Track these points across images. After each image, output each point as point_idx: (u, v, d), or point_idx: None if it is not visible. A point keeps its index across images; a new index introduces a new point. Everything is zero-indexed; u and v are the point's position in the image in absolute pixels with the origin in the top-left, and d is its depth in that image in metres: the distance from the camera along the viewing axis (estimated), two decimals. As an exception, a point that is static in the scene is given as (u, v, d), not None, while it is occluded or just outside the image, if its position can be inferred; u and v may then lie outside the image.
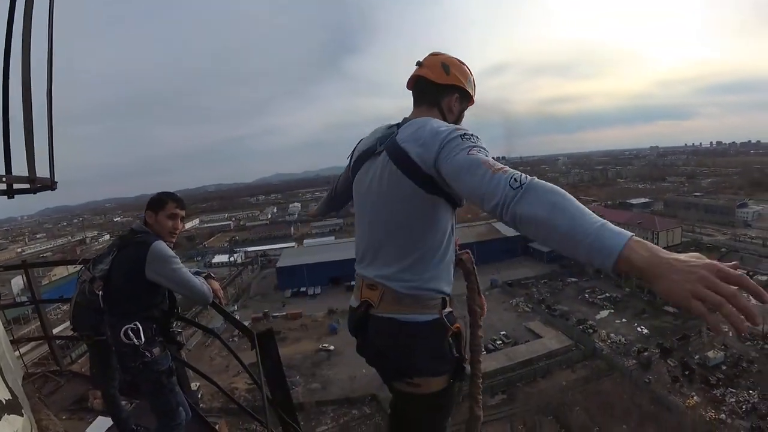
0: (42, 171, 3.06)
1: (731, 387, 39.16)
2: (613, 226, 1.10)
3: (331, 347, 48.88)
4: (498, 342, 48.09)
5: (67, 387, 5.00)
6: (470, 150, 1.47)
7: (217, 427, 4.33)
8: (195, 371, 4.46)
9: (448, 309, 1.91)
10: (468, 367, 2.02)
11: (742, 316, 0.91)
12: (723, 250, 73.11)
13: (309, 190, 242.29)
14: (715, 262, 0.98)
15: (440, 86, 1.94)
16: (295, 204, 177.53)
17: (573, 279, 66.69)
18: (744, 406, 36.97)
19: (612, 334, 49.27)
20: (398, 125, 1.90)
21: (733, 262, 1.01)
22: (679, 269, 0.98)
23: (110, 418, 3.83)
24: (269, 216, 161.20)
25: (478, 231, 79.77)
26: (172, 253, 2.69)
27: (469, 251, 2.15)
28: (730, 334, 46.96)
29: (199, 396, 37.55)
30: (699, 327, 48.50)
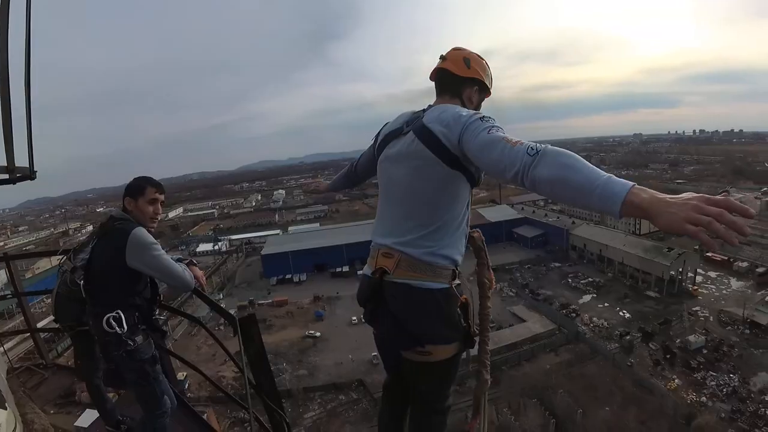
0: (21, 162, 3.00)
1: (712, 370, 40.08)
2: (617, 178, 1.27)
3: (317, 334, 49.09)
4: (483, 327, 48.26)
5: (53, 380, 4.96)
6: (489, 130, 1.67)
7: (205, 416, 4.32)
8: (180, 360, 4.43)
9: (456, 281, 2.06)
10: (478, 337, 2.20)
11: (732, 231, 1.08)
12: (704, 236, 74.27)
13: (293, 177, 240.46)
14: (703, 194, 1.15)
15: (462, 79, 2.13)
16: (280, 191, 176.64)
17: (556, 264, 67.55)
18: (725, 389, 37.90)
19: (594, 318, 50.10)
20: (423, 111, 2.07)
21: (722, 191, 1.16)
22: (674, 203, 1.15)
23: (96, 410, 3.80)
24: (253, 203, 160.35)
25: (464, 217, 79.93)
26: (152, 239, 2.65)
27: (479, 230, 2.34)
28: (711, 319, 48.05)
29: (187, 385, 37.21)
30: (680, 311, 49.64)
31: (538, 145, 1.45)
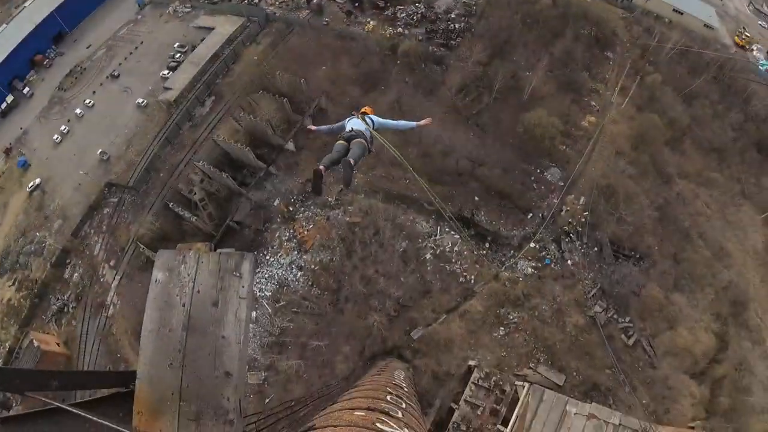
0: None
1: (399, 4, 44.51)
2: (413, 122, 8.94)
3: (38, 181, 40.72)
4: (177, 56, 44.78)
5: None
6: (391, 119, 9.08)
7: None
8: None
9: (372, 140, 8.06)
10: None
11: (429, 123, 9.04)
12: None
13: None
14: (427, 119, 9.05)
15: (366, 114, 8.59)
16: None
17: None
18: (415, 18, 43.52)
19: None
20: (364, 119, 8.29)
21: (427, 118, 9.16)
22: (423, 121, 8.90)
23: None
24: None
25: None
26: None
27: (366, 109, 8.76)
28: None
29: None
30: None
31: (395, 119, 9.26)
